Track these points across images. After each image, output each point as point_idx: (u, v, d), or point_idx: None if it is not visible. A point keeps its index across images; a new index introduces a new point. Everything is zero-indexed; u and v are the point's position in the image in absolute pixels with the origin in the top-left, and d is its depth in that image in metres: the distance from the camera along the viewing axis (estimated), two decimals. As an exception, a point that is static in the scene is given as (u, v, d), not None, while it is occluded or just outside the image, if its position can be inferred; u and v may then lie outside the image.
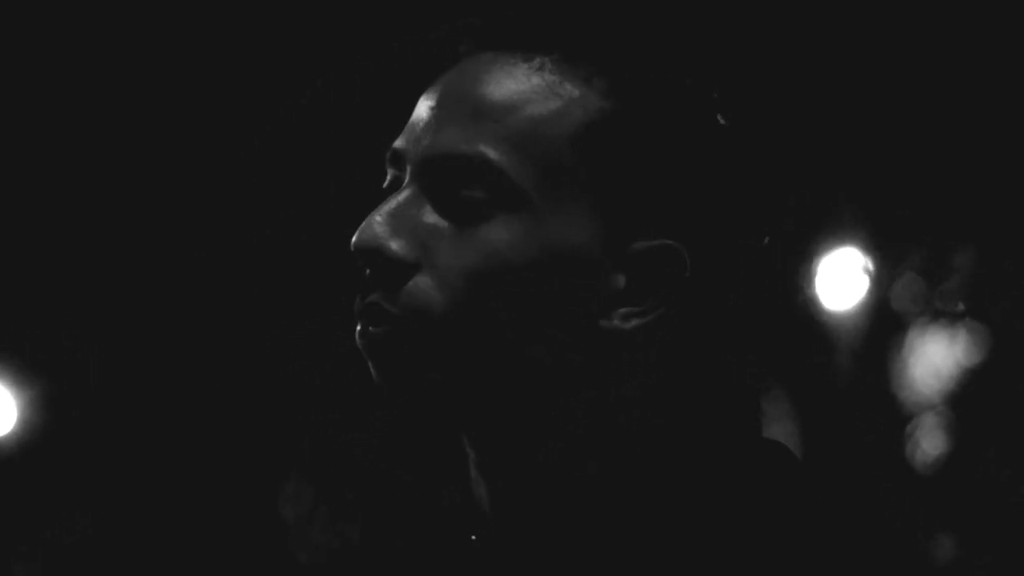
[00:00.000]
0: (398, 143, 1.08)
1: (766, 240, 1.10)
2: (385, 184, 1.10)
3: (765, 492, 1.04)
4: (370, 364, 1.07)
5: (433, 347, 1.03)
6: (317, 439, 4.63)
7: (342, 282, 1.22)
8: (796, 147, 4.46)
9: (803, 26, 4.42)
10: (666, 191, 1.05)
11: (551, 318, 1.04)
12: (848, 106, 4.62)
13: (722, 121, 1.07)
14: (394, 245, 1.04)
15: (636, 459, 1.05)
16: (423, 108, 1.07)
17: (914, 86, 4.58)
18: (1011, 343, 4.92)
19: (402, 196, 1.06)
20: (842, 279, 5.03)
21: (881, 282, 5.03)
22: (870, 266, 5.03)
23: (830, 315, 5.07)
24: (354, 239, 1.04)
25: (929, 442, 5.03)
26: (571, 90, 1.04)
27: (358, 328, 1.06)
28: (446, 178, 1.04)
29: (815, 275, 5.05)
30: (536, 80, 1.04)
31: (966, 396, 4.99)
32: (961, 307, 5.00)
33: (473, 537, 1.11)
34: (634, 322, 1.05)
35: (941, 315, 5.03)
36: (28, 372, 4.71)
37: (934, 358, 5.03)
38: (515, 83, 1.04)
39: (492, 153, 1.03)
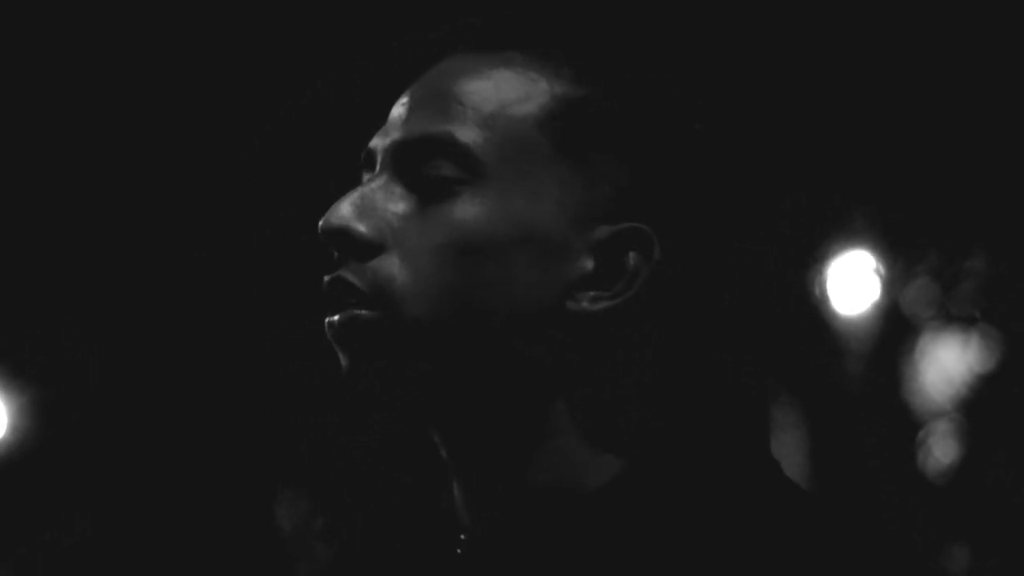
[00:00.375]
0: (371, 142, 1.11)
1: (752, 232, 1.10)
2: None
3: (756, 502, 1.04)
4: (338, 349, 1.07)
5: (401, 329, 1.04)
6: (315, 442, 4.67)
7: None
8: (807, 150, 4.49)
9: (815, 28, 4.45)
10: (633, 175, 1.06)
11: (518, 297, 1.04)
12: (860, 110, 4.65)
13: (692, 109, 1.09)
14: (361, 227, 1.05)
15: (634, 462, 1.05)
16: (395, 108, 1.11)
17: (926, 91, 4.61)
18: (1025, 348, 4.93)
19: (372, 183, 1.08)
20: (853, 283, 5.05)
21: (893, 286, 5.04)
22: (881, 269, 5.03)
23: (840, 319, 5.08)
24: (321, 222, 1.06)
25: (941, 449, 5.04)
26: (539, 77, 1.07)
27: (327, 313, 1.06)
28: (413, 159, 1.07)
29: (826, 279, 5.05)
30: (505, 71, 1.08)
31: (979, 402, 4.99)
32: (974, 312, 5.00)
33: (459, 545, 1.10)
34: (603, 304, 1.05)
35: (953, 320, 5.04)
36: (20, 378, 4.76)
37: (946, 363, 5.03)
38: (484, 73, 1.08)
39: (458, 132, 1.05)
